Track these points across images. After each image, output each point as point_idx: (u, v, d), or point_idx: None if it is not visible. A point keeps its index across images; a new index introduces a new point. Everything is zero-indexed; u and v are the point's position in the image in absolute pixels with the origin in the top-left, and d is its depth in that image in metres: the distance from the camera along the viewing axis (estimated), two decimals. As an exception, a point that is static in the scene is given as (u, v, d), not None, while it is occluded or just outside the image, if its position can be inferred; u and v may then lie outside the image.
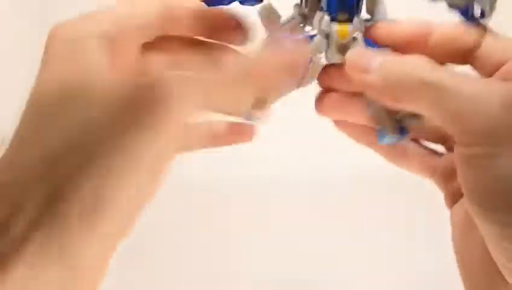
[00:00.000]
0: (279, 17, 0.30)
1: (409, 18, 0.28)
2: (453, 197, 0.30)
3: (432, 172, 0.31)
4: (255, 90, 0.26)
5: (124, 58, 0.26)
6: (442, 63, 0.26)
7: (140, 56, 0.28)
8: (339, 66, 0.29)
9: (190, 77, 0.25)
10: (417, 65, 0.25)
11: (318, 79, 0.31)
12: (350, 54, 0.27)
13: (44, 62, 0.25)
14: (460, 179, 0.25)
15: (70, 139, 0.23)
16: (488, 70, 0.27)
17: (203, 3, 0.29)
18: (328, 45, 0.29)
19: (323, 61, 0.30)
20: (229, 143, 0.32)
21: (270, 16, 0.30)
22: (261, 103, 0.28)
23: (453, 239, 0.29)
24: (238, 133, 0.31)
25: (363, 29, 0.29)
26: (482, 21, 0.27)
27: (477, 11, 0.27)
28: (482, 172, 0.23)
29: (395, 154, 0.32)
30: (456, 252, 0.29)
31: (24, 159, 0.23)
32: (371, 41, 0.29)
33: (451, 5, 0.27)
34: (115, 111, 0.23)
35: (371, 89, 0.26)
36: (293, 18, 0.30)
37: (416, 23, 0.28)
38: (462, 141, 0.24)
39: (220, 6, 0.29)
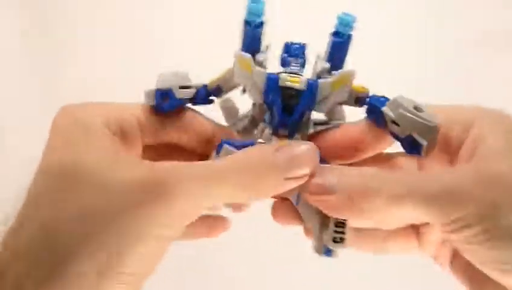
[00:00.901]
0: (237, 111, 0.32)
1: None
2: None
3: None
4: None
5: (129, 147, 0.29)
6: None
7: (141, 148, 0.30)
8: None
9: (193, 173, 0.26)
10: (380, 179, 0.27)
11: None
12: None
13: (53, 141, 0.27)
14: (467, 256, 0.27)
15: (79, 221, 0.24)
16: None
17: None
18: None
19: None
20: (200, 236, 0.35)
21: (229, 109, 0.32)
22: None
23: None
24: (209, 226, 0.35)
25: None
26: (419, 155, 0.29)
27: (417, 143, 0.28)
28: (485, 245, 0.26)
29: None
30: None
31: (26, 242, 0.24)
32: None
33: (392, 133, 0.29)
34: (122, 201, 0.25)
35: (332, 209, 0.28)
36: (246, 116, 0.32)
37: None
38: (452, 229, 0.26)
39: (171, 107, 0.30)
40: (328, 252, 0.30)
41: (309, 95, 0.29)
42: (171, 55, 0.63)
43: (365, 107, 0.30)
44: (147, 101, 0.30)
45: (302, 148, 0.28)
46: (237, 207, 0.35)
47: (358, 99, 0.30)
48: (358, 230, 0.33)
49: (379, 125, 0.30)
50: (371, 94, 0.30)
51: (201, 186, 0.26)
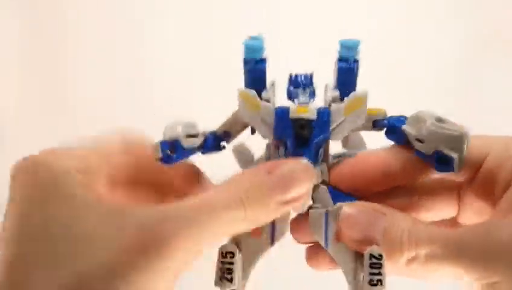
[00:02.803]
0: (252, 155, 0.30)
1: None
2: None
3: None
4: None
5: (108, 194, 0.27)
6: None
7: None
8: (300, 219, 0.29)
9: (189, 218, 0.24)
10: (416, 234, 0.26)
11: (293, 236, 0.30)
12: (346, 216, 0.28)
13: (27, 195, 0.24)
14: None
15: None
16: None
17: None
18: None
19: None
20: None
21: (243, 154, 0.31)
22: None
23: None
24: None
25: (326, 178, 0.29)
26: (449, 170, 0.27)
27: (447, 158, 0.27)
28: None
29: None
30: None
31: None
32: (337, 191, 0.29)
33: (418, 153, 0.28)
34: (115, 256, 0.23)
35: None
36: (262, 159, 0.30)
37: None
38: (483, 277, 0.25)
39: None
40: None
41: (321, 123, 0.28)
42: (170, 57, 0.63)
43: (384, 130, 0.29)
44: (155, 155, 0.28)
45: (294, 165, 0.26)
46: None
47: (375, 122, 0.29)
48: None
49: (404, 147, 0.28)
50: (388, 115, 0.29)
51: (196, 233, 0.24)
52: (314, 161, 0.28)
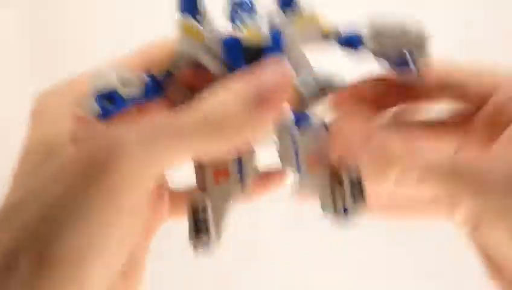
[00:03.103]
0: None
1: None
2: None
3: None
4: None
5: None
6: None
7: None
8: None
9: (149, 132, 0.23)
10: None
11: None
12: (336, 130, 0.26)
13: (29, 125, 0.26)
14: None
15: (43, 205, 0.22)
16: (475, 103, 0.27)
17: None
18: None
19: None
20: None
21: None
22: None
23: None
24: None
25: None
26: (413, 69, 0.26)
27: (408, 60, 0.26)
28: None
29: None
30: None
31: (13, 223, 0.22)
32: (295, 112, 0.27)
33: (379, 55, 0.26)
34: (72, 179, 0.22)
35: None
36: None
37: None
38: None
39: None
40: (347, 218, 0.26)
41: (275, 48, 0.25)
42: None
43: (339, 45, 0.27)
44: (87, 112, 0.25)
45: (269, 67, 0.24)
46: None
47: (326, 34, 0.26)
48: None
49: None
50: (340, 28, 0.27)
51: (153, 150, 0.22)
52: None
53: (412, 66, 0.25)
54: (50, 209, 0.22)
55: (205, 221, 0.26)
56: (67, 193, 0.22)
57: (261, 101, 0.23)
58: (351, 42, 0.26)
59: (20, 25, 0.66)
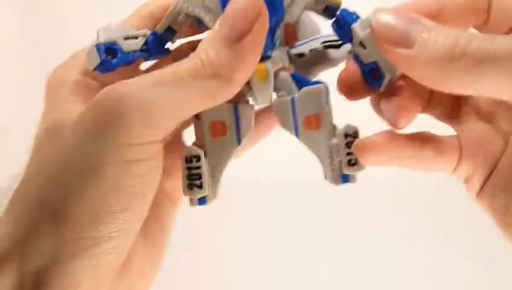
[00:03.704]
0: None
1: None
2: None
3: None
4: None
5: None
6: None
7: None
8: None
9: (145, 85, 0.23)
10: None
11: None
12: (379, 22, 0.24)
13: (44, 100, 0.27)
14: None
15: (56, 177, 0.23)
16: (505, 30, 0.26)
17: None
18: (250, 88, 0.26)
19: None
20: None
21: None
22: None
23: None
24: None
25: (286, 65, 0.27)
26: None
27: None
28: None
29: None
30: None
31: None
32: (299, 76, 0.27)
33: (355, 58, 0.26)
34: (80, 140, 0.23)
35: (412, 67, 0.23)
36: None
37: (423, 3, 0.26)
38: None
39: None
40: (345, 179, 0.26)
41: (274, 2, 0.25)
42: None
43: (333, 20, 0.27)
44: (91, 64, 0.25)
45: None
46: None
47: (327, 8, 0.26)
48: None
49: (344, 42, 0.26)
50: (343, 7, 0.27)
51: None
52: (271, 45, 0.26)
53: (379, 82, 0.26)
54: (61, 173, 0.23)
55: (199, 174, 0.26)
56: (76, 156, 0.23)
57: (237, 34, 0.23)
58: (342, 27, 0.26)
59: (20, 25, 0.66)
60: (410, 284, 0.58)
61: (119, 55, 0.25)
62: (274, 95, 0.27)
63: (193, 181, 0.26)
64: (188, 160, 0.26)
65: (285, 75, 0.27)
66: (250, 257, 0.61)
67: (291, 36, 0.28)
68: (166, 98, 0.23)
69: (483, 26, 0.26)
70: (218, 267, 0.61)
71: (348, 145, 0.25)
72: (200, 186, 0.25)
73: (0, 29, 0.65)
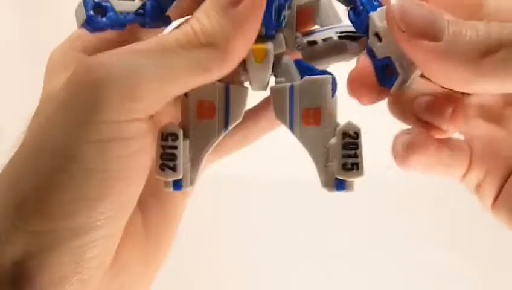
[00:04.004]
0: None
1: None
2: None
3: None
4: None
5: None
6: None
7: None
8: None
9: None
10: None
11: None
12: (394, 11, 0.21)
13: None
14: None
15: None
16: None
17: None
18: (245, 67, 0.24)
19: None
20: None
21: None
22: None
23: None
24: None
25: (292, 48, 0.24)
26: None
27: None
28: None
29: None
30: None
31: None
32: (305, 63, 0.24)
33: (368, 51, 0.24)
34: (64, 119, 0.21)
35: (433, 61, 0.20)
36: None
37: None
38: None
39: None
40: (340, 186, 0.23)
41: None
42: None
43: (350, 7, 0.24)
44: (78, 21, 0.23)
45: None
46: None
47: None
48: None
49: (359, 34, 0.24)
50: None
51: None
52: (276, 25, 0.23)
53: (391, 80, 0.23)
54: (33, 157, 0.21)
55: (173, 154, 0.23)
56: (49, 136, 0.21)
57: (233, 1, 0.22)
58: (359, 14, 0.24)
59: (20, 25, 0.66)
60: (410, 284, 0.58)
61: (109, 13, 0.23)
62: (273, 83, 0.25)
63: (166, 162, 0.23)
64: (164, 137, 0.23)
65: (288, 60, 0.24)
66: (250, 255, 0.61)
67: (305, 21, 0.26)
68: (152, 68, 0.21)
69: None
70: (217, 265, 0.60)
71: (345, 146, 0.23)
72: (174, 169, 0.23)
73: (0, 29, 0.65)
